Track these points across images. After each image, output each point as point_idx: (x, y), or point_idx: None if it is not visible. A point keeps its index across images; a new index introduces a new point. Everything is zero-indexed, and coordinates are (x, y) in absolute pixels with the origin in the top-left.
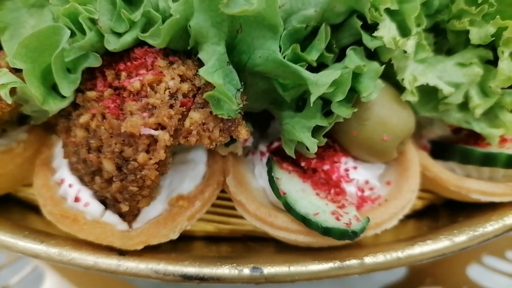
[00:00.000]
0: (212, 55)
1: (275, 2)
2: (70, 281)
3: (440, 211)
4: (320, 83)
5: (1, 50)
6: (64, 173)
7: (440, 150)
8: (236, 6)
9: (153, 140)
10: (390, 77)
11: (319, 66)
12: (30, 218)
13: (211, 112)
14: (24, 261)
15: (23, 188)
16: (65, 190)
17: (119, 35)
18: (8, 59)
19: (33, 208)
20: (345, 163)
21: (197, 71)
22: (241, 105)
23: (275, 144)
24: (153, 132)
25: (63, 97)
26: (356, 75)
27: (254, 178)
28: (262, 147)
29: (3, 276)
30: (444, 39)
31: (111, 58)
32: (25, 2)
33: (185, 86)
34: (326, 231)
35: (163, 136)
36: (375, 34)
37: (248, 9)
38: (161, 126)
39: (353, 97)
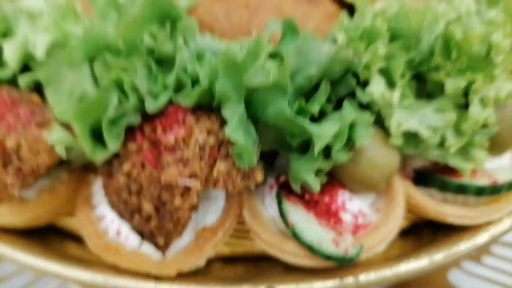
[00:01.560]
0: (235, 114)
1: (286, 72)
2: None
3: (423, 229)
4: (323, 136)
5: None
6: (104, 210)
7: (421, 178)
8: (255, 79)
9: (187, 187)
10: (377, 121)
11: (320, 114)
12: (67, 245)
13: (233, 163)
14: (47, 279)
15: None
16: (107, 224)
17: (155, 96)
18: (56, 112)
19: (70, 236)
20: (342, 195)
21: (220, 125)
22: (258, 155)
23: (282, 178)
24: (187, 181)
25: (106, 147)
26: (351, 126)
27: (265, 208)
28: (270, 180)
29: None
30: (424, 86)
31: (146, 114)
32: (72, 63)
33: (211, 140)
34: (328, 257)
35: (196, 185)
36: (366, 90)
37: (266, 81)
38: (193, 175)
39: (349, 143)
